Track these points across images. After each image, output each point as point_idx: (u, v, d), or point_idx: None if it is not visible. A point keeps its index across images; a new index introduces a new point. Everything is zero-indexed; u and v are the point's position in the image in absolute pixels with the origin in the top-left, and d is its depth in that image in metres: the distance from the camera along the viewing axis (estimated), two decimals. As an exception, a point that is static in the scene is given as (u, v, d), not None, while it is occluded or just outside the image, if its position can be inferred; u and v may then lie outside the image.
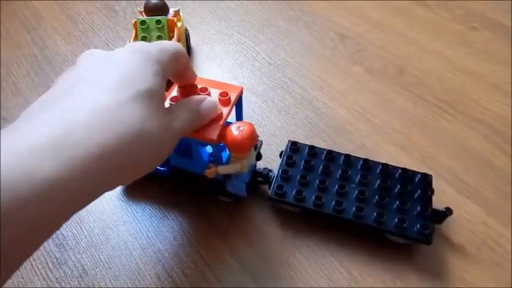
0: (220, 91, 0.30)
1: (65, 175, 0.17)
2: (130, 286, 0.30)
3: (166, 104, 0.29)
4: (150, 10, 0.45)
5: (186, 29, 0.49)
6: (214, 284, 0.30)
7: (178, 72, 0.27)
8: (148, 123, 0.21)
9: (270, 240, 0.33)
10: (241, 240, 0.33)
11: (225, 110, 0.29)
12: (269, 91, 0.45)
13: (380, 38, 0.52)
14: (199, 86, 0.30)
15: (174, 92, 0.30)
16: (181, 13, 0.48)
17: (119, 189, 0.36)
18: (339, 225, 0.32)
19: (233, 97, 0.30)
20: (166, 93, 0.29)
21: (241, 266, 0.31)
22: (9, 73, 0.48)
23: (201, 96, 0.28)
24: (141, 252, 0.32)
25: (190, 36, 0.50)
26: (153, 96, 0.22)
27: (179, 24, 0.45)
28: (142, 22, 0.43)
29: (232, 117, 0.32)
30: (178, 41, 0.45)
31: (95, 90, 0.21)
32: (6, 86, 0.46)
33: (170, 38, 0.44)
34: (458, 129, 0.41)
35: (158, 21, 0.43)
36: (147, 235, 0.33)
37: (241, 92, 0.31)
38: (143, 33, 0.43)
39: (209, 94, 0.29)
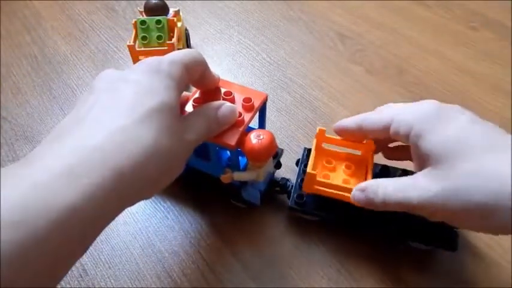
0: (244, 96, 0.29)
1: (82, 202, 0.17)
2: (130, 286, 0.30)
3: (189, 106, 0.28)
4: (150, 10, 0.45)
5: (186, 29, 0.49)
6: (214, 284, 0.30)
7: (195, 80, 0.27)
8: (160, 139, 0.21)
9: (271, 240, 0.33)
10: (241, 240, 0.33)
11: (246, 116, 0.28)
12: (269, 91, 0.45)
13: (380, 38, 0.52)
14: (223, 90, 0.29)
15: (198, 93, 0.30)
16: (181, 13, 0.48)
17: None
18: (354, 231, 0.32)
19: (256, 104, 0.29)
20: (189, 94, 0.29)
21: (241, 266, 0.31)
22: (9, 73, 0.48)
23: (219, 101, 0.27)
24: (141, 252, 0.32)
25: (190, 36, 0.50)
26: (165, 111, 0.22)
27: (179, 24, 0.45)
28: (143, 22, 0.43)
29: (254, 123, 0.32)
30: (178, 41, 0.45)
31: (109, 113, 0.21)
32: (6, 86, 0.46)
33: (170, 38, 0.44)
34: (458, 129, 0.41)
35: (158, 21, 0.43)
36: (147, 235, 0.33)
37: (266, 99, 0.30)
38: (143, 33, 0.43)
39: (233, 99, 0.29)
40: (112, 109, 0.21)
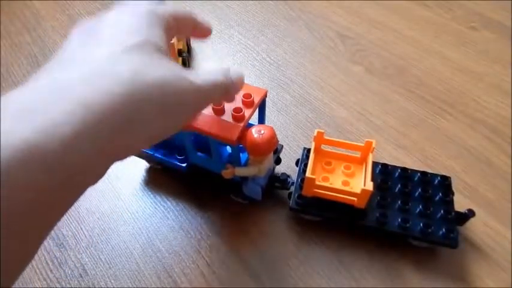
0: (244, 93, 0.29)
1: (43, 137, 0.16)
2: (130, 286, 0.30)
3: None
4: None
5: (186, 29, 0.49)
6: (214, 284, 0.30)
7: (188, 31, 0.25)
8: (145, 72, 0.19)
9: (271, 239, 0.33)
10: (241, 240, 0.33)
11: (247, 112, 0.28)
12: (269, 91, 0.45)
13: (380, 38, 0.52)
14: None
15: None
16: (181, 13, 0.48)
17: (118, 189, 0.36)
18: (356, 230, 0.32)
19: (256, 99, 0.29)
20: None
21: (241, 266, 0.31)
22: (9, 73, 0.48)
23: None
24: (141, 252, 0.32)
25: (190, 36, 0.50)
26: (150, 47, 0.20)
27: (179, 24, 0.45)
28: (143, 22, 0.43)
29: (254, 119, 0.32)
30: (178, 41, 0.45)
31: (81, 53, 0.19)
32: (6, 86, 0.46)
33: (170, 38, 0.44)
34: (458, 129, 0.41)
35: (158, 21, 0.43)
36: (147, 235, 0.33)
37: (265, 95, 0.31)
38: (143, 33, 0.43)
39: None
40: (85, 48, 0.20)
